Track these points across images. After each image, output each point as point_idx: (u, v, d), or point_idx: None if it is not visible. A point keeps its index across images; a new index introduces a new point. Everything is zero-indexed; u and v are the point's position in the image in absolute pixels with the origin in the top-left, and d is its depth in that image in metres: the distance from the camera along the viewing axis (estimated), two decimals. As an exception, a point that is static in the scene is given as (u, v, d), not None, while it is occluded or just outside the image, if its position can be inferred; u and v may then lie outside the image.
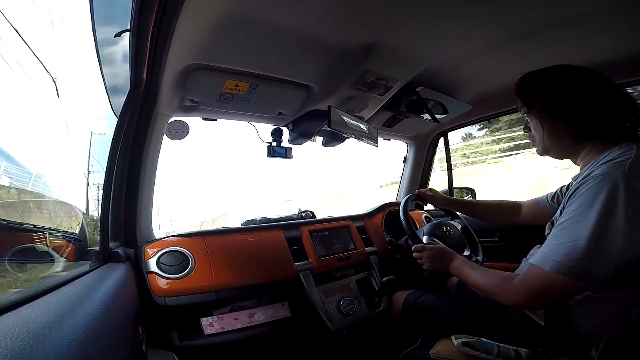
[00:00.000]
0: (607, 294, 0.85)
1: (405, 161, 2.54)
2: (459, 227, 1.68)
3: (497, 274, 1.00)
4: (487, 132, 11.63)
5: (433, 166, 2.55)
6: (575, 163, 1.00)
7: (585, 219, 0.78)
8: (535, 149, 1.05)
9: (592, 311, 0.88)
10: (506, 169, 10.01)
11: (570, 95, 0.91)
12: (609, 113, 0.88)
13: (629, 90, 1.18)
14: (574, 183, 0.90)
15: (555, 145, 0.98)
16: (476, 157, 11.80)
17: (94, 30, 1.14)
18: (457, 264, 1.18)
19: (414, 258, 1.32)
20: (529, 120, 1.03)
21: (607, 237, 0.76)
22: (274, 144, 1.77)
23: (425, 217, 2.21)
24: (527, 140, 1.10)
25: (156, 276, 1.28)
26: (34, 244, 1.20)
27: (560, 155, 1.02)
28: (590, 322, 0.89)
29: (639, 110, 0.90)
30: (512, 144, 10.65)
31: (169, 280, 1.28)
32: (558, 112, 0.93)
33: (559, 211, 0.93)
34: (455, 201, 1.71)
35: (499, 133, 11.54)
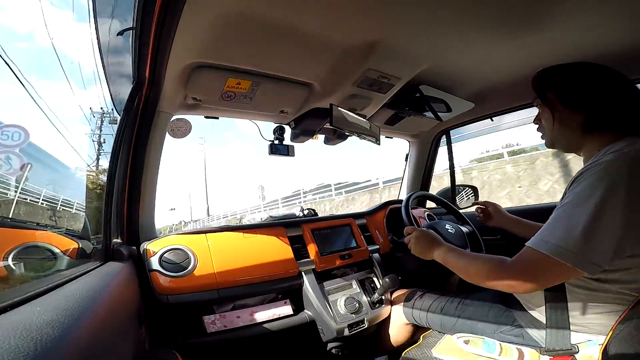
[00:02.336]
0: (609, 292, 0.85)
1: (407, 159, 2.54)
2: (465, 230, 1.68)
3: (488, 257, 0.99)
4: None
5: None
6: (578, 154, 1.01)
7: (585, 204, 0.79)
8: (545, 141, 1.06)
9: (595, 309, 0.88)
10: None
11: (583, 88, 0.93)
12: (619, 107, 0.90)
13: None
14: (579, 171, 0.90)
15: (563, 136, 1.00)
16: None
17: (96, 28, 1.14)
18: (442, 250, 1.16)
19: (416, 257, 1.31)
20: (541, 111, 1.05)
21: (606, 223, 0.76)
22: (276, 141, 1.77)
23: (428, 215, 2.21)
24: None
25: (158, 274, 1.28)
26: (38, 242, 1.20)
27: (566, 148, 1.03)
28: (592, 320, 0.89)
29: None
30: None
31: (172, 279, 1.29)
32: (570, 104, 0.95)
33: (561, 198, 0.93)
34: (520, 222, 1.47)
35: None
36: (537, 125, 1.08)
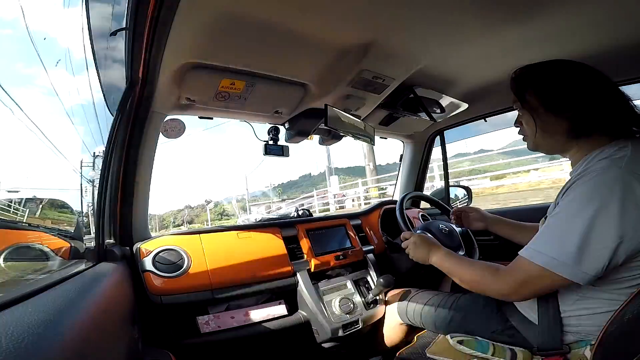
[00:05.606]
0: (601, 293, 0.85)
1: (401, 159, 2.55)
2: (459, 230, 1.68)
3: (483, 265, 1.01)
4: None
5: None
6: (564, 157, 1.00)
7: (579, 214, 0.79)
8: (527, 144, 1.05)
9: (586, 310, 0.88)
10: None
11: (565, 91, 0.91)
12: (604, 111, 0.88)
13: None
14: (570, 178, 0.90)
15: (547, 141, 0.98)
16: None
17: (89, 28, 1.14)
18: (439, 255, 1.18)
19: (411, 257, 1.32)
20: (521, 114, 1.03)
21: (600, 233, 0.76)
22: (271, 142, 1.77)
23: (422, 215, 2.22)
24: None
25: (152, 275, 1.28)
26: (29, 243, 1.19)
27: (550, 151, 1.02)
28: (584, 321, 0.89)
29: (633, 109, 0.91)
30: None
31: (165, 279, 1.28)
32: (552, 108, 0.93)
33: (552, 205, 0.93)
34: (502, 221, 1.47)
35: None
36: (519, 129, 1.06)
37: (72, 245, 1.28)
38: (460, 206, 1.59)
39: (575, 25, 1.20)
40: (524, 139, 1.05)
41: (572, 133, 0.92)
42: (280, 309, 1.51)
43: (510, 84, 1.02)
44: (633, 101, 0.92)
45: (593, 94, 0.89)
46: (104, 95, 1.42)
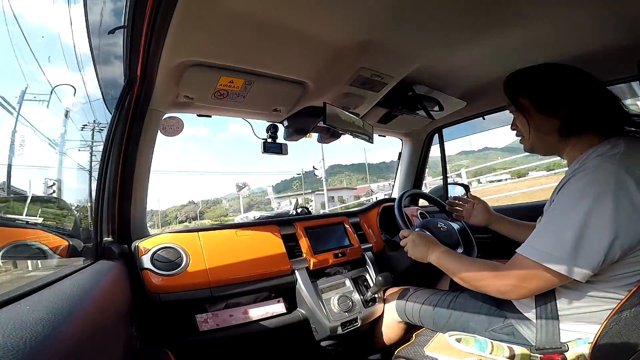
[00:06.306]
0: (598, 292, 0.86)
1: (400, 157, 2.55)
2: (457, 227, 1.69)
3: (481, 262, 1.02)
4: None
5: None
6: (561, 157, 1.02)
7: (573, 210, 0.80)
8: (523, 146, 1.07)
9: (584, 309, 0.89)
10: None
11: (554, 92, 0.94)
12: (593, 109, 0.91)
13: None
14: (565, 175, 0.91)
15: (541, 141, 1.01)
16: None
17: (87, 26, 1.13)
18: (438, 253, 1.18)
19: (410, 255, 1.32)
20: (515, 117, 1.06)
21: (595, 228, 0.77)
22: (269, 140, 1.76)
23: (420, 213, 2.22)
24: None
25: (150, 273, 1.28)
26: (27, 241, 1.19)
27: (545, 152, 1.04)
28: (581, 319, 0.90)
29: (623, 107, 0.93)
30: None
31: (163, 277, 1.28)
32: (543, 108, 0.96)
33: (548, 203, 0.94)
34: (504, 219, 1.47)
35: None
36: (515, 131, 1.09)
37: (70, 243, 1.27)
38: (474, 196, 1.55)
39: (573, 23, 1.20)
40: (520, 141, 1.08)
41: (563, 132, 0.94)
42: (278, 307, 1.51)
43: (504, 88, 1.05)
44: (622, 100, 0.94)
45: (581, 93, 0.92)
46: (102, 94, 1.42)
